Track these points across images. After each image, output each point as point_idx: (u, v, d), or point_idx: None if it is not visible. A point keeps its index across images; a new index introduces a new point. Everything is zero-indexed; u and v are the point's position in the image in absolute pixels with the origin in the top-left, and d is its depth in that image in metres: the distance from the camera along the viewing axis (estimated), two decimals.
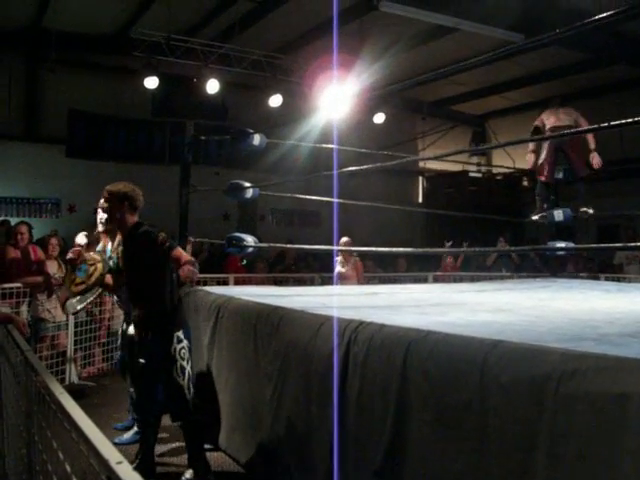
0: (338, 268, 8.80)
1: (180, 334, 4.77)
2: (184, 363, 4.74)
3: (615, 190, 13.88)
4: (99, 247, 5.86)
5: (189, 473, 4.77)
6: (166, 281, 4.76)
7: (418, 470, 3.05)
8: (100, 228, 5.91)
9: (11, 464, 2.95)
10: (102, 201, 4.92)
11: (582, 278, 9.40)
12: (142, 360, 4.77)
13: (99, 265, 5.27)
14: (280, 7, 11.60)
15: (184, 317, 5.01)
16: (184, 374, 4.74)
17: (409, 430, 3.13)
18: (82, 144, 13.91)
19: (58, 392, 2.02)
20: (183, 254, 4.67)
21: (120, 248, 5.06)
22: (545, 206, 8.31)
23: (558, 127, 8.07)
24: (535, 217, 8.43)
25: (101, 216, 5.77)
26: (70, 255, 5.38)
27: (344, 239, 8.56)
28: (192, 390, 4.82)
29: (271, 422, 4.55)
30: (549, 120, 8.33)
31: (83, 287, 5.26)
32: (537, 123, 8.47)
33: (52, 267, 8.07)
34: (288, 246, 8.75)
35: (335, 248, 7.95)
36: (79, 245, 5.89)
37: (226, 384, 5.30)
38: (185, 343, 4.78)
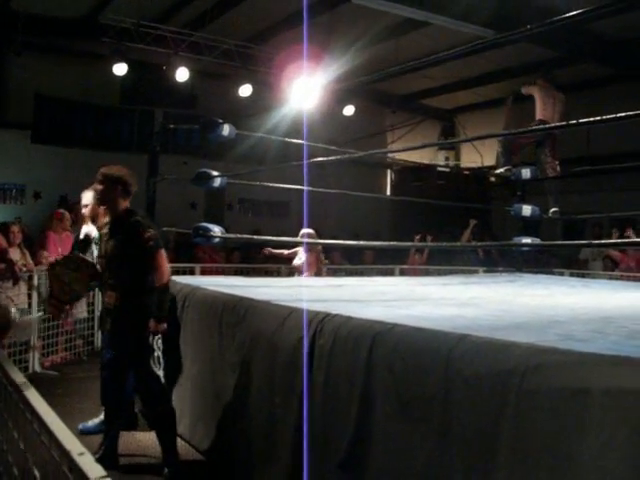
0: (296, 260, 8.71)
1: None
2: (160, 353, 4.74)
3: (581, 187, 14.03)
4: (84, 230, 5.78)
5: (167, 470, 4.68)
6: (145, 272, 4.71)
7: (382, 462, 3.07)
8: (84, 211, 5.80)
9: None
10: (96, 183, 4.86)
11: (547, 274, 9.49)
12: (113, 350, 4.76)
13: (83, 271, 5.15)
14: None
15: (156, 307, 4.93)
16: (160, 364, 4.74)
17: (373, 422, 3.14)
18: (48, 130, 13.71)
19: (20, 382, 1.99)
20: (162, 263, 4.65)
21: (104, 231, 4.95)
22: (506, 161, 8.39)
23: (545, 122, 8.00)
24: (500, 170, 8.49)
25: (85, 201, 5.71)
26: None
27: (306, 231, 8.47)
28: (163, 380, 4.80)
29: (234, 413, 4.54)
30: (547, 106, 8.17)
31: (69, 295, 5.16)
32: (530, 92, 8.35)
33: (15, 254, 7.96)
34: (255, 237, 8.69)
35: (304, 240, 7.92)
36: (84, 205, 5.77)
37: (190, 374, 5.29)
38: (152, 321, 4.71)
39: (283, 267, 10.16)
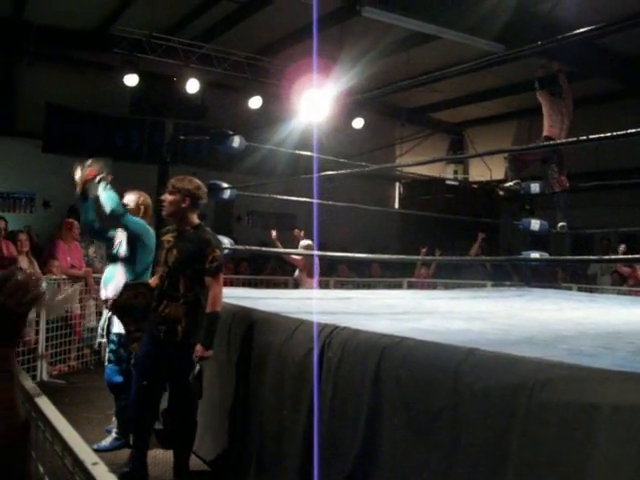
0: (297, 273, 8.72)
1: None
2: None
3: (590, 201, 14.00)
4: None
5: None
6: (202, 289, 4.66)
7: (389, 475, 3.07)
8: None
9: None
10: (166, 193, 4.84)
11: (555, 288, 9.47)
12: (156, 359, 4.70)
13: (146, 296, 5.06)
14: (262, 9, 11.57)
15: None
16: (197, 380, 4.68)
17: (381, 435, 3.14)
18: (59, 139, 13.76)
19: (32, 390, 2.00)
20: (217, 288, 4.61)
21: (168, 239, 4.88)
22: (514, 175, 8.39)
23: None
24: (509, 184, 8.49)
25: (126, 200, 5.67)
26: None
27: (306, 242, 8.48)
28: None
29: (242, 425, 4.55)
30: (554, 123, 8.17)
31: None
32: (540, 100, 8.32)
33: (23, 263, 8.00)
34: (264, 249, 8.72)
35: (313, 253, 7.94)
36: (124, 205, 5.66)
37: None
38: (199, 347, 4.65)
39: (291, 279, 10.16)
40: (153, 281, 5.06)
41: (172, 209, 4.79)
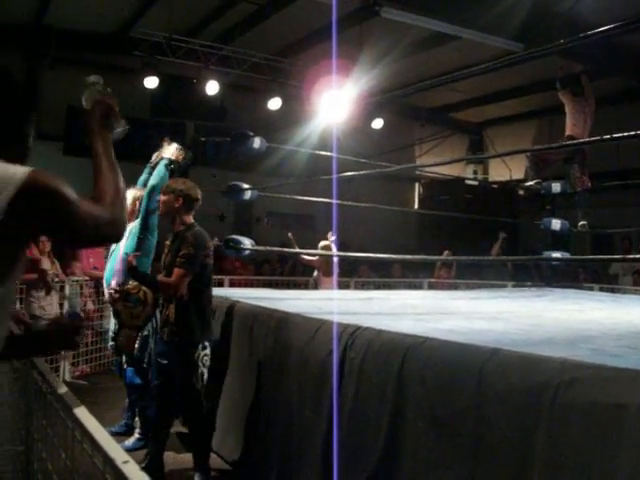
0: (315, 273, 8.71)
1: (206, 342, 4.75)
2: (204, 370, 4.73)
3: (611, 201, 13.91)
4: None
5: (197, 477, 4.70)
6: (197, 288, 4.75)
7: (412, 476, 3.06)
8: None
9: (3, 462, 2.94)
10: (161, 194, 4.99)
11: (576, 288, 9.42)
12: (164, 361, 4.78)
13: (148, 293, 5.20)
14: (281, 10, 11.59)
15: (212, 326, 4.96)
16: (202, 380, 4.73)
17: (404, 436, 3.14)
18: (80, 142, 13.84)
19: (61, 389, 2.02)
20: (174, 279, 4.65)
21: (168, 243, 5.01)
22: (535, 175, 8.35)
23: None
24: (530, 183, 8.45)
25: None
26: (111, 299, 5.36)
27: (323, 242, 8.46)
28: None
29: (265, 425, 4.55)
30: (577, 122, 8.14)
31: (142, 318, 5.21)
32: (562, 100, 8.30)
33: (45, 264, 8.04)
34: (285, 250, 8.75)
35: (332, 254, 7.94)
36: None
37: (221, 386, 5.30)
38: (208, 351, 4.75)
39: (311, 280, 10.17)
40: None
41: (165, 209, 4.94)
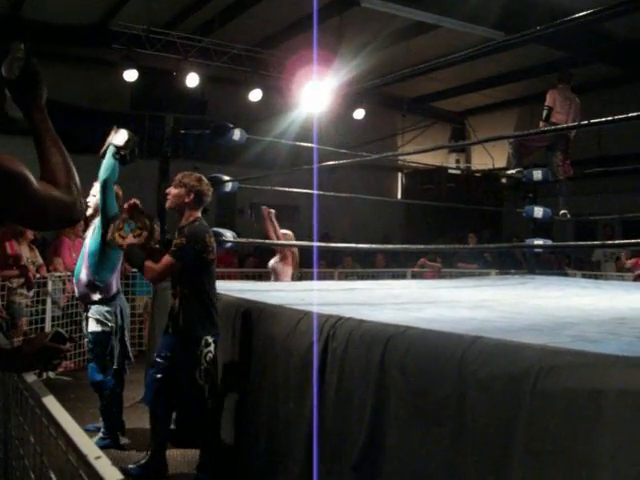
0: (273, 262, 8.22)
1: (209, 338, 4.64)
2: (208, 367, 4.63)
3: (593, 188, 13.99)
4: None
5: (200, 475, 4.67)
6: (199, 282, 4.69)
7: (395, 465, 3.06)
8: (88, 212, 5.58)
9: None
10: (172, 186, 4.88)
11: (559, 275, 9.46)
12: (168, 354, 4.71)
13: (145, 233, 5.02)
14: (261, 1, 11.56)
15: (216, 322, 4.78)
16: (207, 378, 4.63)
17: (387, 425, 3.14)
18: (59, 137, 13.73)
19: (36, 386, 2.00)
20: (162, 265, 4.58)
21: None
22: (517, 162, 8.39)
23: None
24: (512, 171, 8.47)
25: (89, 200, 5.55)
26: (126, 205, 5.06)
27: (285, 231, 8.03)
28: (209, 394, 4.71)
29: (249, 418, 4.54)
30: (562, 109, 8.14)
31: (125, 242, 5.06)
32: (549, 104, 8.25)
33: (24, 251, 7.98)
34: (266, 242, 8.70)
35: (314, 244, 7.92)
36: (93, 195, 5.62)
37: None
38: (212, 347, 4.64)
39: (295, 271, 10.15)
40: None
41: (175, 202, 4.84)
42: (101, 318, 5.40)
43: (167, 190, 4.97)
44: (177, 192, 4.81)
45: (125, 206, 5.00)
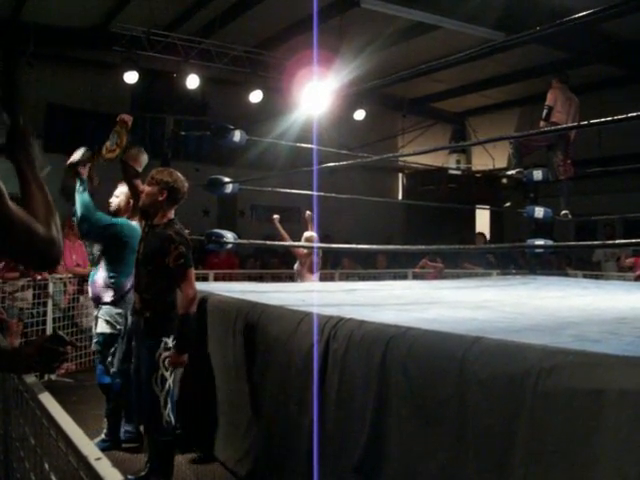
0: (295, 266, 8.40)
1: (169, 341, 4.45)
2: (166, 373, 4.42)
3: (594, 188, 13.97)
4: None
5: None
6: (167, 286, 4.51)
7: (397, 465, 3.06)
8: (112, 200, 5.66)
9: None
10: (145, 184, 4.65)
11: (561, 276, 9.46)
12: (133, 360, 4.66)
13: (123, 136, 4.99)
14: (261, 3, 11.55)
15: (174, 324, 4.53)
16: (164, 385, 4.41)
17: (388, 426, 3.13)
18: (60, 139, 13.77)
19: (36, 388, 2.00)
20: (187, 287, 4.40)
21: (145, 231, 4.71)
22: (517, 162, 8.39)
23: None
24: (512, 172, 8.47)
25: (111, 200, 5.64)
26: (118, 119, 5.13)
27: (309, 234, 8.18)
28: (169, 405, 4.48)
29: (250, 420, 4.54)
30: (562, 109, 8.11)
31: (114, 154, 5.04)
32: (550, 103, 8.21)
33: None
34: (268, 243, 8.70)
35: (314, 245, 7.92)
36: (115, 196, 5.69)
37: (204, 381, 5.28)
38: (172, 352, 4.44)
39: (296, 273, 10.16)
40: None
41: (148, 201, 4.60)
42: (111, 320, 5.39)
43: (140, 188, 4.79)
44: (150, 190, 4.56)
45: (117, 119, 5.12)
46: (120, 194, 5.63)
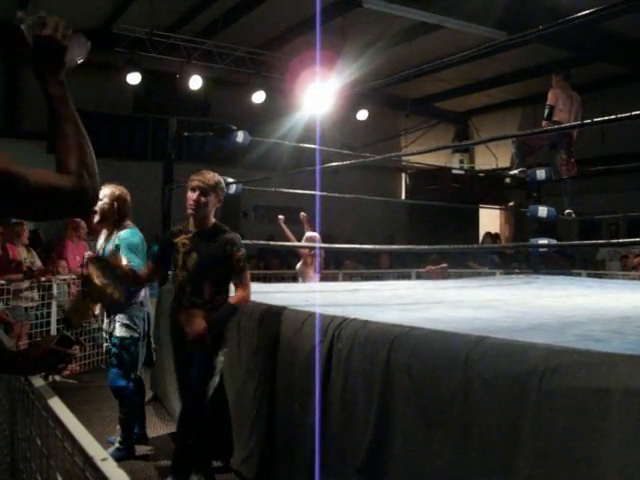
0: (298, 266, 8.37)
1: (225, 349, 4.50)
2: (216, 379, 4.42)
3: (597, 187, 13.97)
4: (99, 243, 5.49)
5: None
6: (228, 293, 4.47)
7: (401, 466, 3.06)
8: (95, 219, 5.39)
9: None
10: (189, 191, 4.43)
11: (564, 275, 9.44)
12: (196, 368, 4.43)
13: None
14: (263, 3, 11.56)
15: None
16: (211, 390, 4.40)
17: (392, 426, 3.13)
18: None
19: (43, 389, 2.00)
20: (246, 289, 4.40)
21: (183, 241, 4.48)
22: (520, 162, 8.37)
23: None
24: (514, 172, 8.47)
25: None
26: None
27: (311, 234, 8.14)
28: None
29: (254, 420, 4.53)
30: (564, 107, 8.08)
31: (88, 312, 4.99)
32: (551, 102, 8.16)
33: (22, 253, 8.03)
34: (271, 243, 8.71)
35: (317, 245, 7.92)
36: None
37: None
38: (223, 359, 4.44)
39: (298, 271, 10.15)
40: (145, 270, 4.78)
41: (205, 211, 4.42)
42: (130, 323, 5.25)
43: (194, 198, 4.42)
44: (205, 200, 4.39)
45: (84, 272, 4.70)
46: (103, 196, 5.25)
